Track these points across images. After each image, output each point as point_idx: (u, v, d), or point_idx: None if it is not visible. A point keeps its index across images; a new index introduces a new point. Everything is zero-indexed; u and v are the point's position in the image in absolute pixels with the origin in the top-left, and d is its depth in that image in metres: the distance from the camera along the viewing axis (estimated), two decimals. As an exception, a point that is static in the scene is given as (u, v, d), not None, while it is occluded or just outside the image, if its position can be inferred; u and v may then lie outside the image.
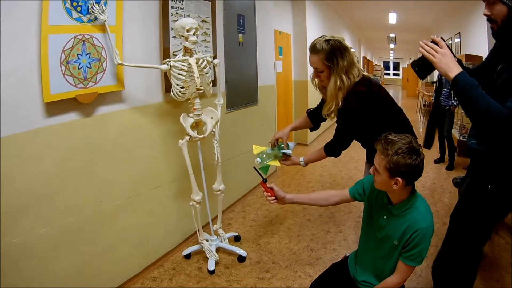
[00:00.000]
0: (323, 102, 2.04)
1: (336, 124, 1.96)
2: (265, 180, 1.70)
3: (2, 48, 1.50)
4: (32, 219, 1.70)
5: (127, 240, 2.26)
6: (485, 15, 1.36)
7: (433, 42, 1.39)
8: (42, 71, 1.63)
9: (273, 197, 1.66)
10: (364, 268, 1.64)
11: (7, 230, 1.60)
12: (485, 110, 1.25)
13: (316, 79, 1.94)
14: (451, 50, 1.38)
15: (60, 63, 1.69)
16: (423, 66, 1.45)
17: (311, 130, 2.30)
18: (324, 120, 2.11)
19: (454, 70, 1.33)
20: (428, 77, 12.40)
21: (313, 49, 1.80)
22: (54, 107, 1.74)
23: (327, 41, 1.76)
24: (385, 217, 1.51)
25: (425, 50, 1.39)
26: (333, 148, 1.98)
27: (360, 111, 1.81)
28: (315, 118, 2.20)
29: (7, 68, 1.53)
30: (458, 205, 1.65)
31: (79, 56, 1.78)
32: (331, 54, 1.76)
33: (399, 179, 1.36)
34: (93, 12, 1.82)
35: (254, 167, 1.75)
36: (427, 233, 1.40)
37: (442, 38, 1.39)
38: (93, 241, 2.03)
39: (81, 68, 1.80)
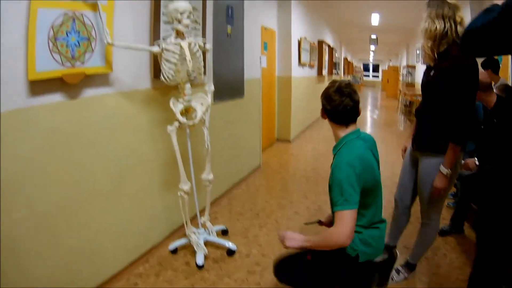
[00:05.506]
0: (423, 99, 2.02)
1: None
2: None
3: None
4: (5, 207, 1.53)
5: (110, 232, 2.13)
6: None
7: None
8: (28, 46, 1.51)
9: None
10: None
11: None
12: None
13: None
14: None
15: (48, 39, 1.58)
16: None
17: None
18: None
19: None
20: (409, 77, 12.42)
21: None
22: (38, 87, 1.62)
23: None
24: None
25: None
26: (463, 133, 1.74)
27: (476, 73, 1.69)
28: None
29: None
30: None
31: (68, 33, 1.67)
32: None
33: (323, 111, 1.51)
34: (84, -12, 1.72)
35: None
36: (337, 167, 1.37)
37: None
38: (72, 232, 1.87)
39: (69, 46, 1.69)
